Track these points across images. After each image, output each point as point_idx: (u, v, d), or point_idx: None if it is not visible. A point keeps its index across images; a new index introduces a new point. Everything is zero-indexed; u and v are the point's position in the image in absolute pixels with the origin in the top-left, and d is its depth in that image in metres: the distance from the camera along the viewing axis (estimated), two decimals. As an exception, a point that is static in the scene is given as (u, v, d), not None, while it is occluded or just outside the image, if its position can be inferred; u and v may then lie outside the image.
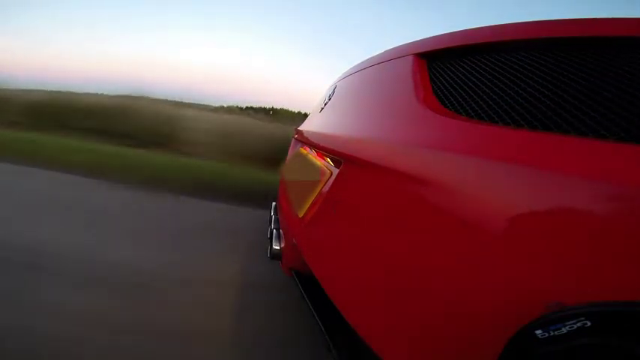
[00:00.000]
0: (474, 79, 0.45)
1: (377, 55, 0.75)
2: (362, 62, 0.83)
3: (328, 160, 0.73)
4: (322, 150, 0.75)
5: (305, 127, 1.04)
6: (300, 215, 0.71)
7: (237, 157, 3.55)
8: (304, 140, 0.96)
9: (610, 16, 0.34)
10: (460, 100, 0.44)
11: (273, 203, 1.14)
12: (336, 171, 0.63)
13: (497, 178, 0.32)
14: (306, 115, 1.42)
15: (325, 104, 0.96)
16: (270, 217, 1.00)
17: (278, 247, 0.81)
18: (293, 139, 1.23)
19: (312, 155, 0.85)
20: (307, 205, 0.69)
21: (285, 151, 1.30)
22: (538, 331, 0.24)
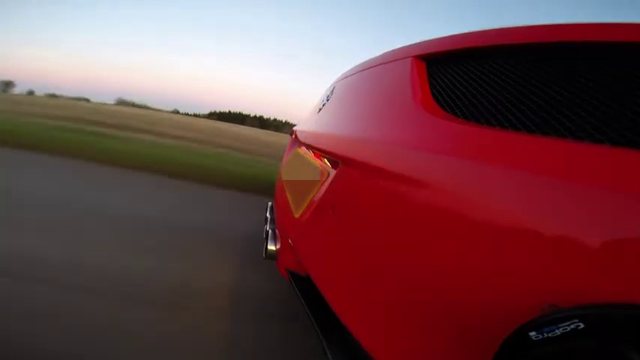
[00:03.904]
0: (473, 82, 0.46)
1: (376, 57, 0.75)
2: (361, 63, 0.84)
3: (326, 160, 0.73)
4: (320, 151, 0.75)
5: (303, 127, 1.04)
6: (297, 216, 0.71)
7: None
8: (302, 140, 0.96)
9: (611, 20, 0.35)
10: (459, 103, 0.45)
11: (269, 203, 1.14)
12: (333, 172, 0.63)
13: (495, 181, 0.32)
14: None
15: (323, 105, 0.96)
16: (266, 217, 1.00)
17: (274, 247, 0.80)
18: (290, 139, 1.23)
19: (310, 156, 0.85)
20: (304, 206, 0.69)
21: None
22: (532, 333, 0.24)
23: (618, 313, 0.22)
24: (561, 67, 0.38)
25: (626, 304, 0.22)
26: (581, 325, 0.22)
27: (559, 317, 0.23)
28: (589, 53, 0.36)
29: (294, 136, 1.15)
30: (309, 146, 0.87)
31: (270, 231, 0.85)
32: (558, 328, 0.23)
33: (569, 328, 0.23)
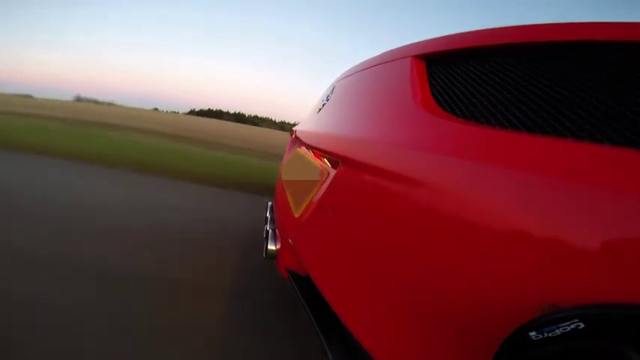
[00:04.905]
0: (472, 82, 0.45)
1: (376, 57, 0.75)
2: (361, 63, 0.83)
3: (326, 160, 0.73)
4: (320, 151, 0.75)
5: (303, 127, 1.04)
6: (297, 215, 0.71)
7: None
8: (302, 140, 0.96)
9: (611, 20, 0.35)
10: (458, 102, 0.45)
11: (269, 203, 1.14)
12: (333, 172, 0.63)
13: (494, 181, 0.32)
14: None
15: (323, 105, 0.96)
16: (266, 216, 1.00)
17: (274, 247, 0.80)
18: (290, 139, 1.23)
19: (310, 156, 0.85)
20: (304, 206, 0.69)
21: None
22: (532, 333, 0.24)
23: (618, 313, 0.22)
24: (561, 66, 0.38)
25: (626, 304, 0.22)
26: (581, 325, 0.22)
27: (559, 317, 0.23)
28: (589, 53, 0.36)
29: (293, 136, 1.15)
30: (309, 146, 0.87)
31: (270, 231, 0.85)
32: (558, 328, 0.23)
33: (569, 328, 0.23)
